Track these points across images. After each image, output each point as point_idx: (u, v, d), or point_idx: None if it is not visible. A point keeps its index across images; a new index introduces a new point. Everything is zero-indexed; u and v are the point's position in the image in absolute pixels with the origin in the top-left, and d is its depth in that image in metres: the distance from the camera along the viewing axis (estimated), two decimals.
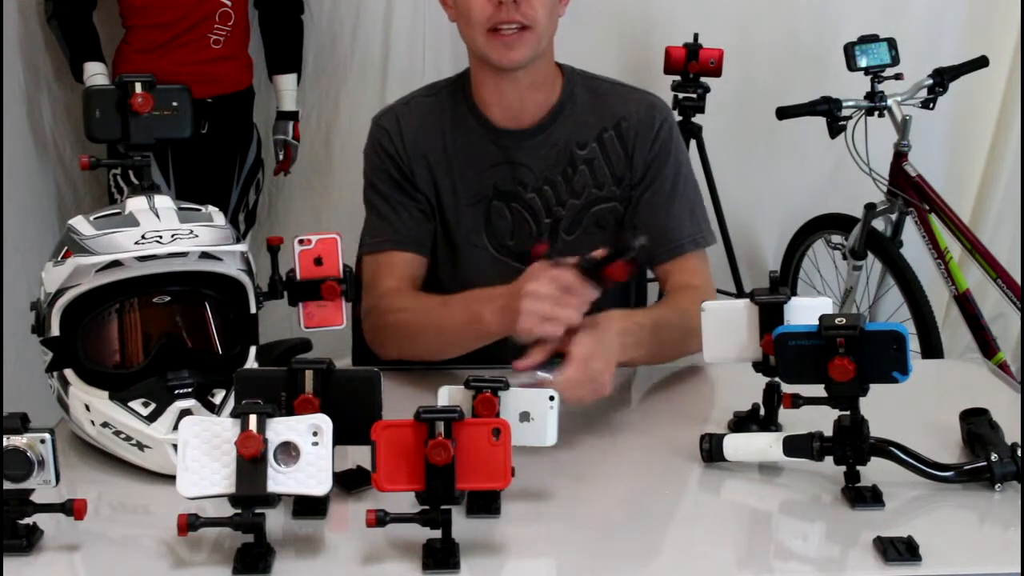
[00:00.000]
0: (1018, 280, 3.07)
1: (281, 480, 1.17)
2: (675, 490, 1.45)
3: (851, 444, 1.34)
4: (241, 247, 1.46)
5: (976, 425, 1.45)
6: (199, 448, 1.17)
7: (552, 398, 1.34)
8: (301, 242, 1.56)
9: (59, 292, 1.42)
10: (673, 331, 1.69)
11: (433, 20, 3.35)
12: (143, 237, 1.41)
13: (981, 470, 1.35)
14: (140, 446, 1.41)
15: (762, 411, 1.52)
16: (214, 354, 1.50)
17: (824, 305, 1.42)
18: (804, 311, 1.42)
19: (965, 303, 3.16)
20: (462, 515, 1.29)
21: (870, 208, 3.17)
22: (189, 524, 1.17)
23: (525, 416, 1.34)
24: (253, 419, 1.17)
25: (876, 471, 1.35)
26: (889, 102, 3.08)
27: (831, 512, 1.34)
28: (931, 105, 3.14)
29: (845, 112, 3.07)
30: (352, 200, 2.08)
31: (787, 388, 1.43)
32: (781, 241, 3.62)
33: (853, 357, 1.29)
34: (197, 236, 1.42)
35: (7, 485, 1.20)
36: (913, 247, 3.24)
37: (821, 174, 3.62)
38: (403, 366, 1.75)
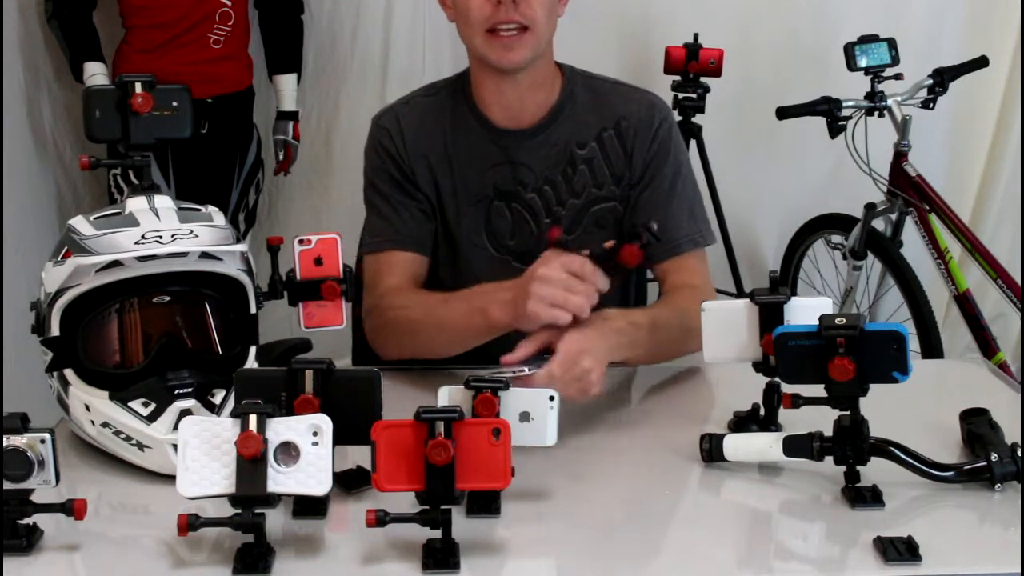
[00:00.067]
0: (1018, 280, 3.06)
1: (281, 480, 1.17)
2: (675, 490, 1.45)
3: (851, 444, 1.34)
4: (241, 247, 1.46)
5: (976, 425, 1.45)
6: (199, 448, 1.17)
7: (552, 398, 1.34)
8: (301, 242, 1.56)
9: (59, 292, 1.42)
10: (671, 330, 1.69)
11: (433, 20, 3.35)
12: (143, 237, 1.41)
13: (981, 470, 1.35)
14: (140, 446, 1.41)
15: (762, 411, 1.52)
16: (214, 354, 1.50)
17: (824, 305, 1.42)
18: (804, 311, 1.42)
19: (965, 303, 3.16)
20: (462, 515, 1.29)
21: (870, 208, 3.17)
22: (189, 524, 1.17)
23: (525, 416, 1.34)
24: (253, 419, 1.17)
25: (876, 471, 1.35)
26: (889, 102, 3.08)
27: (831, 512, 1.34)
28: (931, 105, 3.13)
29: (845, 112, 3.06)
30: (352, 200, 2.08)
31: (787, 388, 1.43)
32: (781, 241, 3.61)
33: (853, 357, 1.29)
34: (197, 236, 1.42)
35: (7, 485, 1.20)
36: (913, 247, 3.24)
37: (821, 174, 3.62)
38: (403, 366, 1.75)
